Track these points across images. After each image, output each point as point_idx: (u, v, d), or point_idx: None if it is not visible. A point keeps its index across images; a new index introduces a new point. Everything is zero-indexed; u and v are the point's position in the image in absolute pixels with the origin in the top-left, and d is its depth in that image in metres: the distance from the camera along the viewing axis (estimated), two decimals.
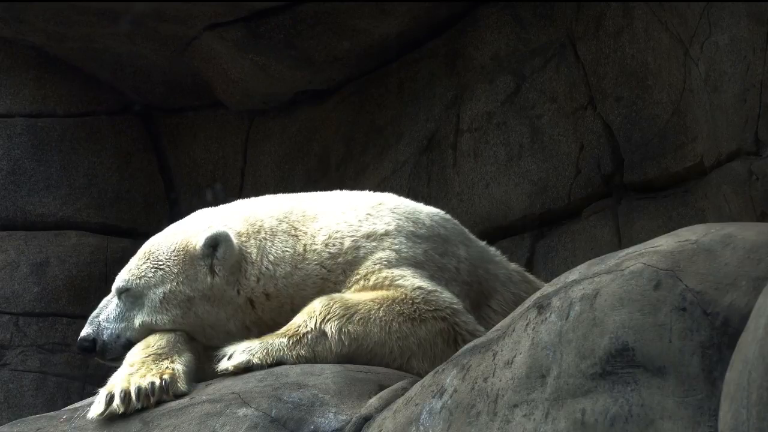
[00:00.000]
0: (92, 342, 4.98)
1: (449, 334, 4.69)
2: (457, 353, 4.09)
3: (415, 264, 4.88)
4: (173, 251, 4.99)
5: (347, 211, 5.03)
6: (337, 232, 4.95)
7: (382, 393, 4.31)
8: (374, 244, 4.91)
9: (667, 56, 7.10)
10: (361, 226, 4.96)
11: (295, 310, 4.82)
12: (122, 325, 4.98)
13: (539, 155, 7.71)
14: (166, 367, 4.66)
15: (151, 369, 4.65)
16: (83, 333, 5.02)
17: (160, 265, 4.97)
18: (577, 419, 3.51)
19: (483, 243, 5.43)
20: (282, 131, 9.15)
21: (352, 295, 4.77)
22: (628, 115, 7.35)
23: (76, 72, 9.25)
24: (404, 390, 4.24)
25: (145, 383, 4.56)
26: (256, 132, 9.30)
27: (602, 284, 3.64)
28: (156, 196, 9.41)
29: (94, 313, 5.05)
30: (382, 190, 5.44)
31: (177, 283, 4.94)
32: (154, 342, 4.81)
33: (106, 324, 4.99)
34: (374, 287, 4.81)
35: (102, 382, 4.73)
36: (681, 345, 3.44)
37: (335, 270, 4.90)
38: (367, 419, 4.19)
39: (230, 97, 9.08)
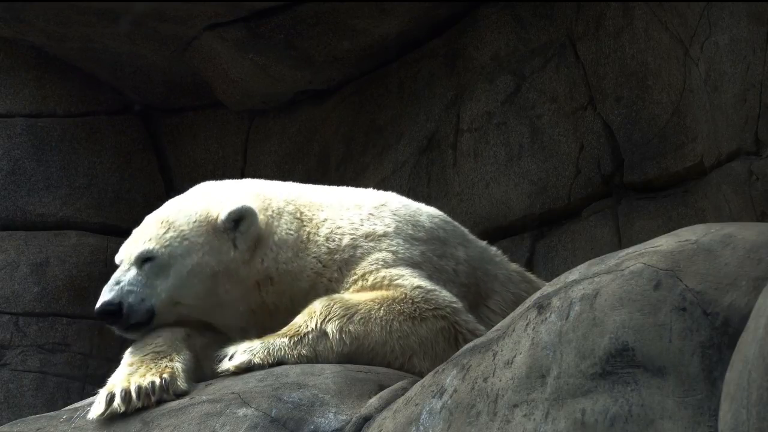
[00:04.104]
0: (118, 305, 4.82)
1: (450, 333, 4.70)
2: (457, 353, 4.09)
3: (412, 264, 4.89)
4: (195, 222, 4.92)
5: (351, 207, 5.03)
6: (339, 228, 4.95)
7: (382, 393, 4.32)
8: (371, 244, 4.91)
9: (667, 56, 7.10)
10: (362, 225, 4.96)
11: (293, 300, 4.85)
12: (147, 291, 4.85)
13: (539, 155, 7.71)
14: (166, 366, 4.66)
15: (151, 368, 4.65)
16: (106, 298, 4.84)
17: (185, 234, 4.90)
18: (577, 419, 3.51)
19: (483, 243, 5.43)
20: (282, 131, 9.16)
21: (351, 296, 4.77)
22: (628, 115, 7.35)
23: (76, 72, 9.25)
24: (404, 390, 4.24)
25: (145, 382, 4.56)
26: (256, 132, 9.30)
27: (602, 284, 3.64)
28: (156, 196, 9.40)
29: (112, 282, 4.88)
30: (383, 190, 5.43)
31: (203, 254, 4.88)
32: (152, 341, 4.80)
33: (130, 288, 4.85)
34: (373, 287, 4.81)
35: (102, 382, 4.73)
36: (681, 345, 3.44)
37: (330, 266, 4.89)
38: (367, 419, 4.19)
39: (230, 97, 9.08)
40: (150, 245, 4.89)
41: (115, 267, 5.00)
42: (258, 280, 4.90)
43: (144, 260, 4.89)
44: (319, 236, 4.93)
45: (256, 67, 8.65)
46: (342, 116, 8.86)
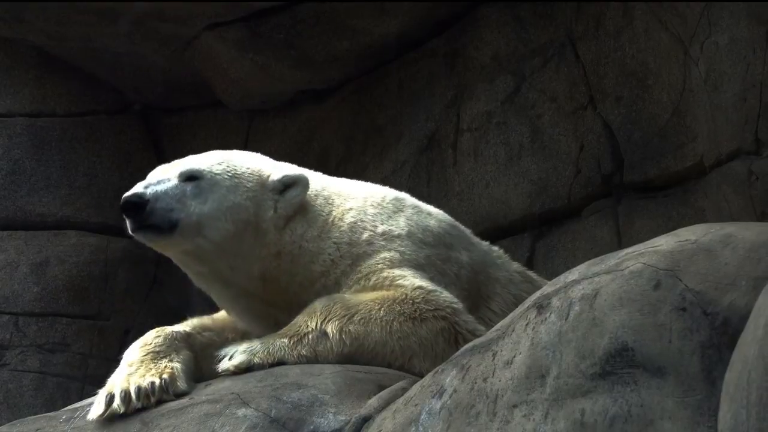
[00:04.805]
0: (146, 201, 4.75)
1: (450, 333, 4.71)
2: (457, 353, 4.09)
3: (416, 267, 4.92)
4: (248, 169, 4.97)
5: (375, 205, 5.10)
6: (363, 221, 5.01)
7: (381, 393, 4.31)
8: (383, 243, 4.96)
9: (667, 56, 7.09)
10: (382, 224, 5.02)
11: (302, 285, 4.88)
12: (179, 205, 4.82)
13: (539, 155, 7.71)
14: (165, 366, 4.66)
15: (150, 369, 4.65)
16: (138, 190, 4.79)
17: (237, 173, 4.93)
18: (577, 419, 3.51)
19: (486, 245, 5.47)
20: (282, 131, 9.15)
21: (352, 296, 4.79)
22: (628, 114, 7.34)
23: (76, 72, 9.25)
24: (404, 390, 4.24)
25: (145, 383, 4.56)
26: (256, 132, 9.30)
27: (602, 284, 3.64)
28: None
29: (149, 181, 4.85)
30: None
31: (246, 198, 4.91)
32: (151, 340, 4.80)
33: (164, 196, 4.80)
34: (374, 287, 4.83)
35: (101, 383, 4.73)
36: (681, 345, 3.44)
37: (345, 257, 4.93)
38: (366, 419, 4.19)
39: (230, 97, 9.08)
40: (202, 166, 4.91)
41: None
42: (280, 251, 4.92)
43: (189, 177, 4.89)
44: (344, 223, 4.99)
45: (256, 66, 8.65)
46: (342, 116, 8.86)
